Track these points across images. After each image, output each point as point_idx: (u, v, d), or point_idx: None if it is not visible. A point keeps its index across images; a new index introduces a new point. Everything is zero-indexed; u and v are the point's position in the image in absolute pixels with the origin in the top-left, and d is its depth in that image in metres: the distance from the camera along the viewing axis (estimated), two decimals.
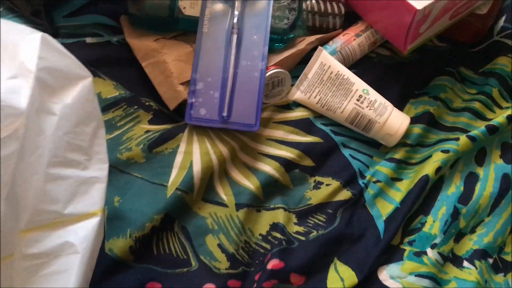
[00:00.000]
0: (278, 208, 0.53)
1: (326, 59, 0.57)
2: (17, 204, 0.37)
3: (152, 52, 0.55)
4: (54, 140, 0.39)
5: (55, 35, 0.56)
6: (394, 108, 0.57)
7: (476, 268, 0.53)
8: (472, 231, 0.55)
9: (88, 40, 0.56)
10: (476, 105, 0.61)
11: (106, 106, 0.54)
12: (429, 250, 0.53)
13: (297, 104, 0.58)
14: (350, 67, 0.60)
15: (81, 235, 0.39)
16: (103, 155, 0.43)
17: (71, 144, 0.40)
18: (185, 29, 0.58)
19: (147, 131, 0.54)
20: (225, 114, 0.53)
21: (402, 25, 0.55)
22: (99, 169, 0.43)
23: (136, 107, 0.55)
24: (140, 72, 0.56)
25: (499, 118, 0.59)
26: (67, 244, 0.39)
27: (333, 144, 0.57)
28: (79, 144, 0.41)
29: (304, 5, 0.60)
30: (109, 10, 0.58)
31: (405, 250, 0.53)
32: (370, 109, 0.56)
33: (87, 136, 0.42)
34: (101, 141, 0.44)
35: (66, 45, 0.54)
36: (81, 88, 0.42)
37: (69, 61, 0.42)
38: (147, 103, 0.55)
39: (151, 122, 0.54)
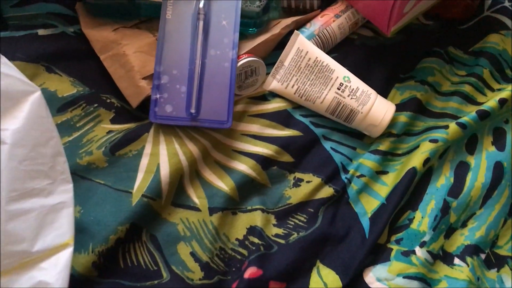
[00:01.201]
0: (255, 209, 0.49)
1: (303, 45, 0.52)
2: None
3: (111, 44, 0.50)
4: (9, 172, 0.34)
5: (3, 27, 0.50)
6: (378, 96, 0.52)
7: (468, 265, 0.50)
8: (463, 225, 0.52)
9: (41, 32, 0.51)
10: (466, 88, 0.57)
11: (63, 105, 0.49)
12: (417, 249, 0.49)
13: (273, 95, 0.54)
14: (330, 51, 0.56)
15: (55, 272, 0.36)
16: (66, 174, 0.39)
17: (30, 172, 0.36)
18: (147, 15, 0.52)
19: (109, 131, 0.49)
20: (193, 110, 0.48)
21: (385, 5, 0.50)
22: (64, 191, 0.38)
23: (96, 105, 0.50)
24: (99, 66, 0.51)
25: (490, 102, 0.55)
26: (41, 283, 0.35)
27: (313, 137, 0.53)
28: (39, 169, 0.37)
29: None
30: None
31: (392, 249, 0.50)
32: (352, 98, 0.51)
33: (47, 158, 0.38)
34: (62, 158, 0.39)
35: (16, 39, 0.50)
36: (30, 105, 0.37)
37: (9, 80, 0.36)
38: (108, 100, 0.50)
39: (113, 121, 0.50)
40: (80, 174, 0.47)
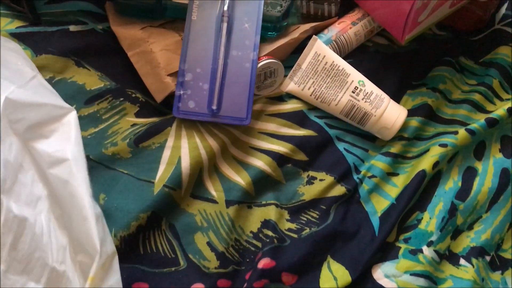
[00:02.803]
0: (270, 204, 0.51)
1: (320, 49, 0.55)
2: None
3: (138, 41, 0.53)
4: (83, 181, 0.40)
5: (37, 22, 0.53)
6: (391, 100, 0.55)
7: (473, 266, 0.52)
8: (470, 227, 0.54)
9: (72, 28, 0.54)
10: (476, 97, 0.59)
11: (91, 98, 0.51)
12: (425, 248, 0.51)
13: (290, 96, 0.56)
14: (345, 57, 0.58)
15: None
16: None
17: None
18: (173, 16, 0.55)
19: (134, 125, 0.52)
20: (214, 107, 0.51)
21: (400, 14, 0.53)
22: None
23: (122, 99, 0.52)
24: (126, 62, 0.53)
25: (499, 110, 0.57)
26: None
27: (327, 138, 0.55)
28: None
29: None
30: None
31: (400, 247, 0.52)
32: (365, 102, 0.54)
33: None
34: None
35: (48, 34, 0.53)
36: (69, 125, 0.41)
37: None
38: (133, 95, 0.53)
39: (137, 115, 0.52)
40: (105, 164, 0.49)
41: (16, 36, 0.51)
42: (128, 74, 0.53)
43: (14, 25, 0.52)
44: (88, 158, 0.49)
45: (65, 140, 0.40)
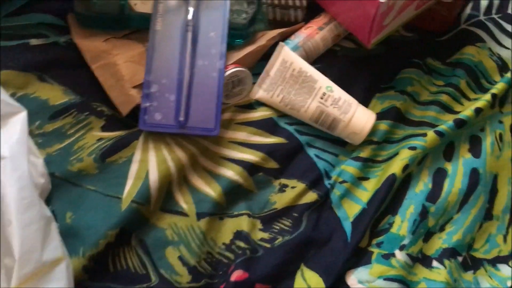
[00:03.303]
0: (242, 214, 0.51)
1: (288, 56, 0.54)
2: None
3: (101, 54, 0.51)
4: (16, 182, 0.37)
5: None
6: (360, 105, 0.55)
7: (445, 268, 0.52)
8: (441, 229, 0.54)
9: (33, 41, 0.52)
10: (444, 98, 0.59)
11: (55, 113, 0.50)
12: (397, 252, 0.51)
13: (259, 104, 0.56)
14: (313, 62, 0.58)
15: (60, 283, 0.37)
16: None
17: (29, 183, 0.38)
18: (137, 26, 0.54)
19: (100, 139, 0.50)
20: (182, 118, 0.50)
21: (365, 18, 0.53)
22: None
23: (87, 113, 0.51)
24: (90, 75, 0.52)
25: (467, 111, 0.57)
26: None
27: (298, 144, 0.55)
28: (32, 181, 0.39)
29: None
30: (55, 8, 0.54)
31: (373, 252, 0.52)
32: (334, 107, 0.53)
33: (36, 169, 0.42)
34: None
35: (8, 48, 0.51)
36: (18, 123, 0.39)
37: None
38: (99, 109, 0.52)
39: (104, 129, 0.51)
40: (71, 181, 0.48)
41: None
42: (93, 88, 0.52)
43: None
44: (53, 175, 0.48)
45: (8, 138, 0.38)
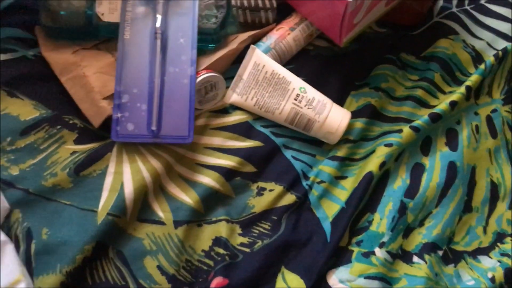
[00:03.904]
0: (220, 220, 0.51)
1: (259, 59, 0.54)
2: None
3: (70, 66, 0.51)
4: None
5: None
6: (334, 104, 0.55)
7: (426, 263, 0.52)
8: (421, 224, 0.54)
9: (2, 57, 0.52)
10: (419, 92, 0.59)
11: (26, 128, 0.50)
12: (377, 250, 0.51)
13: (234, 108, 0.55)
14: (287, 63, 0.58)
15: None
16: None
17: None
18: (106, 36, 0.53)
19: (73, 152, 0.50)
20: (154, 128, 0.50)
21: (335, 17, 0.52)
22: None
23: (59, 127, 0.51)
24: (61, 87, 0.52)
25: (442, 105, 0.57)
26: None
27: (274, 147, 0.55)
28: None
29: (233, 1, 0.56)
30: (22, 21, 0.54)
31: (353, 251, 0.52)
32: (308, 108, 0.53)
33: None
34: None
35: None
36: None
37: None
38: (71, 122, 0.51)
39: (76, 142, 0.51)
40: (46, 196, 0.48)
41: None
42: (64, 101, 0.52)
43: None
44: (27, 191, 0.48)
45: None
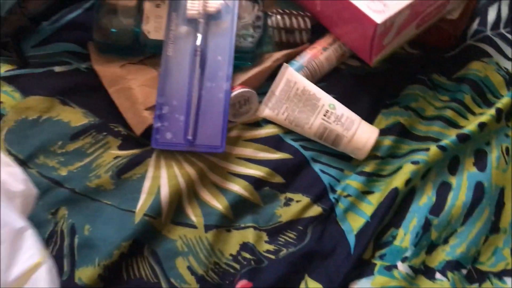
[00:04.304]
0: (248, 227, 0.54)
1: (291, 76, 0.57)
2: None
3: (118, 79, 0.56)
4: None
5: (24, 65, 0.57)
6: (362, 121, 0.57)
7: (449, 280, 0.53)
8: (445, 241, 0.55)
9: (57, 69, 0.57)
10: (449, 113, 0.60)
11: (75, 134, 0.55)
12: (399, 264, 0.53)
13: (266, 121, 0.58)
14: (319, 81, 0.60)
15: None
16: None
17: None
18: (151, 52, 0.58)
19: (116, 157, 0.55)
20: (190, 137, 0.53)
21: (365, 38, 0.55)
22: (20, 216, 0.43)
23: (105, 133, 0.55)
24: (108, 98, 0.57)
25: (470, 126, 0.58)
26: None
27: (303, 160, 0.57)
28: None
29: (269, 22, 0.60)
30: (77, 37, 0.59)
31: (376, 264, 0.53)
32: (337, 124, 0.56)
33: None
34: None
35: (35, 75, 0.56)
36: None
37: None
38: (116, 129, 0.56)
39: (120, 147, 0.55)
40: (90, 196, 0.53)
41: (5, 79, 0.55)
42: (111, 110, 0.57)
43: (2, 69, 0.56)
44: (73, 191, 0.52)
45: None
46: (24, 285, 0.39)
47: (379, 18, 0.52)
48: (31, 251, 0.41)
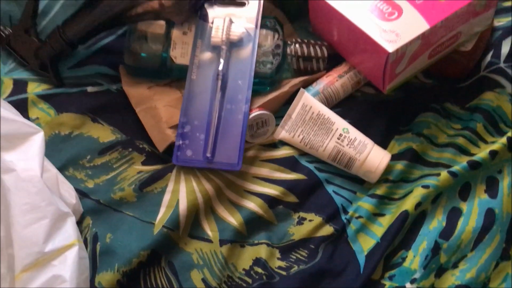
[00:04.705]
0: (261, 243, 0.56)
1: (307, 100, 0.60)
2: (11, 255, 0.43)
3: (144, 99, 0.60)
4: (20, 190, 0.45)
5: (61, 85, 0.62)
6: (375, 145, 0.59)
7: None
8: (454, 266, 0.56)
9: (89, 89, 0.62)
10: (460, 140, 0.62)
11: (103, 149, 0.59)
12: (408, 285, 0.54)
13: (282, 143, 0.61)
14: (334, 106, 0.63)
15: (65, 266, 0.45)
16: (70, 192, 0.52)
17: (42, 190, 0.46)
18: (177, 76, 0.62)
19: (140, 172, 0.58)
20: (209, 154, 0.57)
21: (378, 67, 0.58)
22: (68, 205, 0.49)
23: (130, 149, 0.59)
24: (135, 117, 0.61)
25: (482, 153, 0.59)
26: (54, 277, 0.44)
27: (317, 181, 0.59)
28: (47, 189, 0.47)
29: (288, 50, 0.63)
30: (109, 60, 0.64)
31: (385, 285, 0.54)
32: (350, 147, 0.58)
33: (51, 180, 0.50)
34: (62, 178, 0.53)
35: (69, 94, 0.61)
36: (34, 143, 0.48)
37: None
38: (140, 146, 0.60)
39: (144, 163, 0.59)
40: (113, 207, 0.56)
41: (42, 97, 0.60)
42: (137, 128, 0.61)
43: (40, 88, 0.61)
44: (98, 202, 0.56)
45: (23, 154, 0.46)
46: (55, 259, 0.43)
47: (391, 47, 0.55)
48: (68, 233, 0.45)
